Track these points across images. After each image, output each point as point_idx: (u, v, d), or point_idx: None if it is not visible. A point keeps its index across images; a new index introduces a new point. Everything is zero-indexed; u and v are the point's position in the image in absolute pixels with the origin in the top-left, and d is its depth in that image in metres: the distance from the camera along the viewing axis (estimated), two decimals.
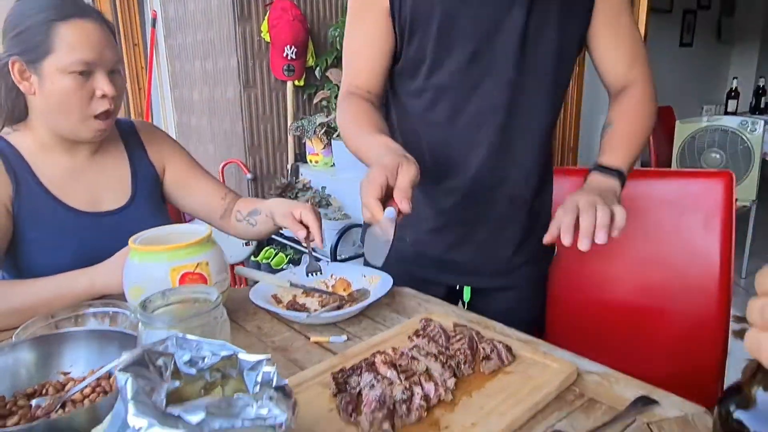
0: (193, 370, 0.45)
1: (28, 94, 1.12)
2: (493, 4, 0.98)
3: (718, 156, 3.10)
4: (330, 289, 1.08)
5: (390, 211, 0.80)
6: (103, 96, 1.11)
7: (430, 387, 0.69)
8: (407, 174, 0.81)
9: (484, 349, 0.78)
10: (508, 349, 0.79)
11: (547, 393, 0.71)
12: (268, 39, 2.48)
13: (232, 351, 0.47)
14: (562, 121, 2.62)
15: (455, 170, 1.09)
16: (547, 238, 0.86)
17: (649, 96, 1.08)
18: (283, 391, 0.43)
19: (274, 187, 2.38)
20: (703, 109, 5.19)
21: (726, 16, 5.85)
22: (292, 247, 2.41)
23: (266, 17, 2.46)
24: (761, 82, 4.58)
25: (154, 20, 3.23)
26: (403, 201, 0.79)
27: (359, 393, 0.69)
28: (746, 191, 3.09)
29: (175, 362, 0.45)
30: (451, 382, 0.71)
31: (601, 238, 0.82)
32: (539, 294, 1.28)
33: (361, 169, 0.92)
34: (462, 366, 0.75)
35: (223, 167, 2.62)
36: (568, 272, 1.34)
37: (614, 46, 1.07)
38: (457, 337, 0.80)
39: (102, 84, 1.10)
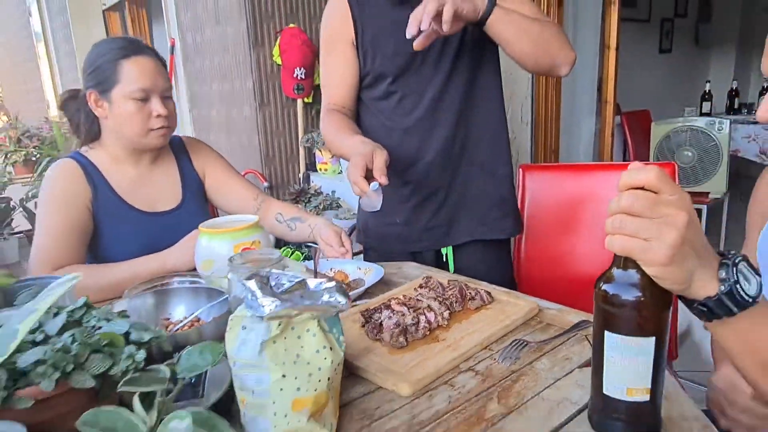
0: (279, 290, 0.74)
1: (102, 117, 1.42)
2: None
3: (690, 153, 3.39)
4: None
5: (374, 184, 1.14)
6: (158, 116, 1.40)
7: (431, 316, 0.98)
8: (381, 157, 1.14)
9: (470, 293, 1.06)
10: (488, 293, 1.07)
11: (515, 319, 1.00)
12: (279, 62, 2.78)
13: (302, 277, 0.75)
14: (544, 124, 2.92)
15: (423, 150, 1.40)
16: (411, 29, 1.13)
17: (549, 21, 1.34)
18: (341, 290, 0.72)
19: (288, 193, 2.67)
20: (685, 111, 5.50)
21: (703, 22, 6.17)
22: (307, 246, 2.70)
23: (277, 42, 2.76)
24: (734, 85, 4.89)
25: (173, 47, 3.54)
26: (381, 176, 1.12)
27: (381, 323, 0.97)
28: (717, 185, 3.38)
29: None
30: (446, 314, 0.99)
31: (424, 24, 1.10)
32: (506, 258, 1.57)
33: None
34: (454, 304, 1.04)
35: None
36: (535, 250, 1.63)
37: None
38: (450, 287, 1.09)
39: (157, 106, 1.40)
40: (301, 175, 2.93)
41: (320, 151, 2.82)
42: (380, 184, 1.14)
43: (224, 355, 0.69)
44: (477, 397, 0.79)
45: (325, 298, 0.69)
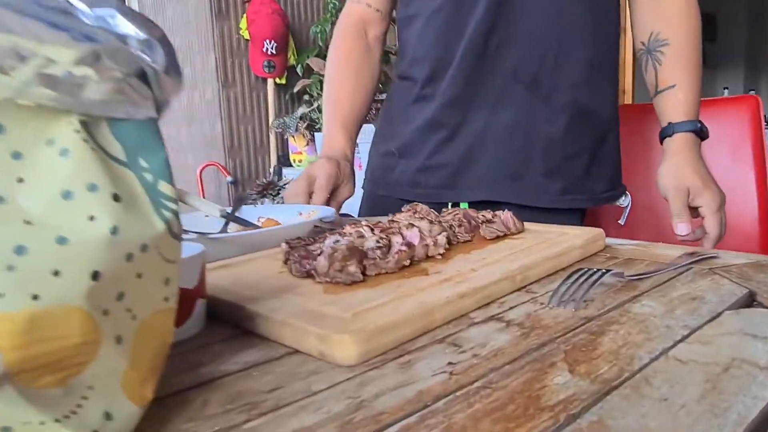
0: None
1: None
2: None
3: None
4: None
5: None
6: None
7: (413, 234, 0.52)
8: (342, 196, 0.91)
9: (484, 215, 0.61)
10: (516, 217, 0.62)
11: (568, 247, 0.54)
12: (247, 36, 2.39)
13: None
14: None
15: (445, 46, 0.87)
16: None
17: None
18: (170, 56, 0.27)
19: (254, 186, 2.23)
20: None
21: (709, 41, 5.93)
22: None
23: (245, 15, 2.39)
24: None
25: None
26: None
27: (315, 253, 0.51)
28: None
29: None
30: (442, 239, 0.54)
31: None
32: None
33: None
34: (456, 230, 0.58)
35: (201, 171, 2.48)
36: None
37: None
38: (450, 211, 0.63)
39: None
40: (271, 169, 2.49)
41: (293, 138, 2.39)
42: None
43: None
44: (517, 363, 0.33)
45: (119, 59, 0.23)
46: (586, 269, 0.46)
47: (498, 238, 0.59)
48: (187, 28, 2.59)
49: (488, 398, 0.29)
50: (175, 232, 0.28)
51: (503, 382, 0.31)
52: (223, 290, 0.45)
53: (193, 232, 0.68)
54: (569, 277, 0.45)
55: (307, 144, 2.38)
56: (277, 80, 2.46)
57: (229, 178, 2.42)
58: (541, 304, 0.43)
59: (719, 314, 0.39)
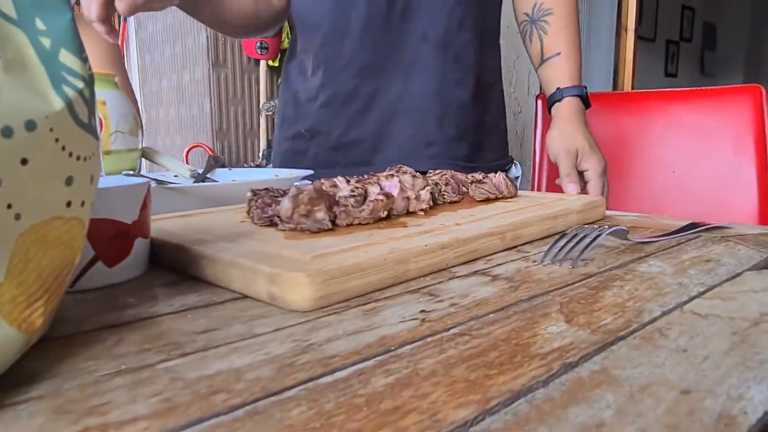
0: None
1: None
2: None
3: None
4: None
5: None
6: None
7: (392, 185, 0.46)
8: None
9: (474, 176, 0.55)
10: (511, 182, 0.56)
11: (566, 209, 0.48)
12: None
13: None
14: None
15: (344, 10, 0.82)
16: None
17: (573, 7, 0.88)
18: None
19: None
20: None
21: (708, 49, 5.91)
22: None
23: None
24: None
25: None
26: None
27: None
28: None
29: None
30: (425, 193, 0.48)
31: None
32: None
33: None
34: (443, 188, 0.52)
35: (187, 152, 2.40)
36: None
37: None
38: (437, 172, 0.57)
39: None
40: (261, 153, 2.42)
41: None
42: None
43: None
44: (503, 312, 0.27)
45: None
46: (584, 227, 0.40)
47: (488, 200, 0.53)
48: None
49: (465, 345, 0.23)
50: (82, 119, 0.23)
51: (486, 329, 0.25)
52: (171, 234, 0.40)
53: (154, 179, 0.62)
54: (565, 234, 0.39)
55: None
56: (270, 62, 2.39)
57: (212, 156, 2.34)
58: (534, 261, 0.38)
59: (739, 274, 0.34)
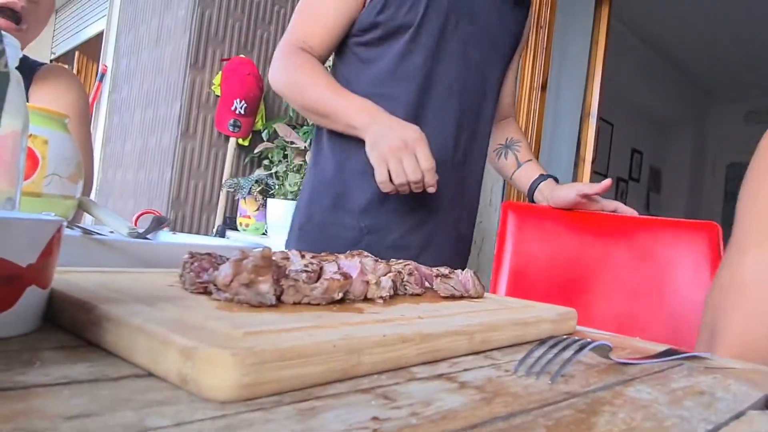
0: None
1: None
2: None
3: None
4: None
5: None
6: None
7: (351, 265, 0.41)
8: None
9: (439, 270, 0.50)
10: (478, 280, 0.51)
11: (539, 317, 0.44)
12: (218, 93, 2.33)
13: None
14: None
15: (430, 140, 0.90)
16: None
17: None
18: None
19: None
20: None
21: (653, 192, 6.32)
22: None
23: (220, 71, 2.35)
24: None
25: (103, 75, 3.07)
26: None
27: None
28: None
29: None
30: (387, 280, 0.43)
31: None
32: None
33: None
34: (405, 278, 0.47)
35: (137, 218, 2.29)
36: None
37: (508, 82, 1.18)
38: (400, 261, 0.53)
39: None
40: (215, 229, 2.33)
41: (244, 201, 2.27)
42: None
43: None
44: (476, 430, 0.21)
45: None
46: (562, 337, 0.36)
47: (453, 297, 0.48)
48: (158, 75, 2.53)
49: None
50: None
51: None
52: (78, 289, 0.32)
53: (83, 229, 0.55)
54: (542, 343, 0.34)
55: (258, 209, 2.26)
56: (240, 140, 2.38)
57: (167, 230, 2.24)
58: (506, 371, 0.32)
59: (742, 413, 0.29)
